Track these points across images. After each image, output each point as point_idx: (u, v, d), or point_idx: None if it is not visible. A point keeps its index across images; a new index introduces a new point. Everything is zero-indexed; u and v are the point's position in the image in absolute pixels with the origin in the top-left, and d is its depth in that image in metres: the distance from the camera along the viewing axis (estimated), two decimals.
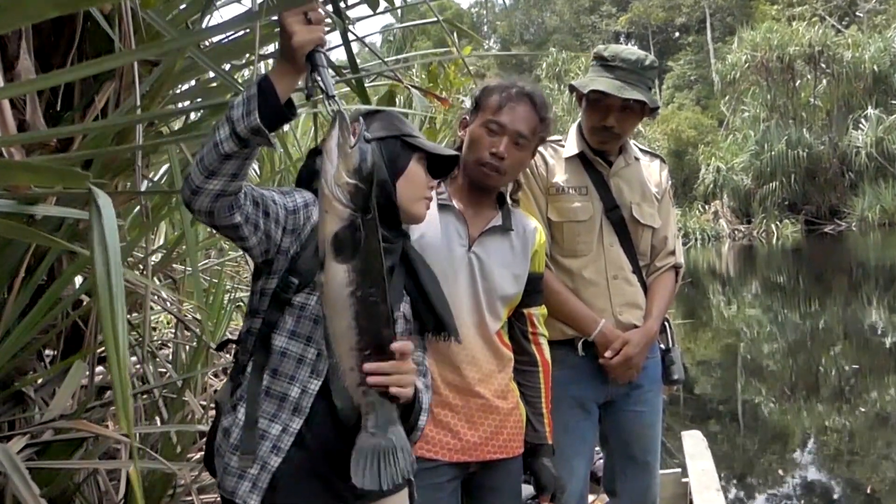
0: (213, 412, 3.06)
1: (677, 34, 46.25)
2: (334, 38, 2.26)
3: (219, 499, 2.59)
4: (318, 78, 1.34)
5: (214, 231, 1.52)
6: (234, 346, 1.65)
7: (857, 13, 34.96)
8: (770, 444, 5.61)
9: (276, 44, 2.62)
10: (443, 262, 1.88)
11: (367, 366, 1.34)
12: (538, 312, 2.09)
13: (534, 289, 2.05)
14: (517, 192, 2.17)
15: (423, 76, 5.06)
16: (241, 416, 1.50)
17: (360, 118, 1.34)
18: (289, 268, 1.52)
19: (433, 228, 1.91)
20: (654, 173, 2.45)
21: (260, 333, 1.53)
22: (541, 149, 2.18)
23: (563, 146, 2.36)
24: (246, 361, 1.54)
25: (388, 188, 1.56)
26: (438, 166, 1.69)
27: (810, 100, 30.20)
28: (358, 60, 2.42)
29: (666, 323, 2.45)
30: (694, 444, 3.91)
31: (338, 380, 1.36)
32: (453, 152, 1.70)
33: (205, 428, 2.45)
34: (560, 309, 2.24)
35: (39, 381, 2.27)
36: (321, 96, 1.36)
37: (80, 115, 2.05)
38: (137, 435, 2.28)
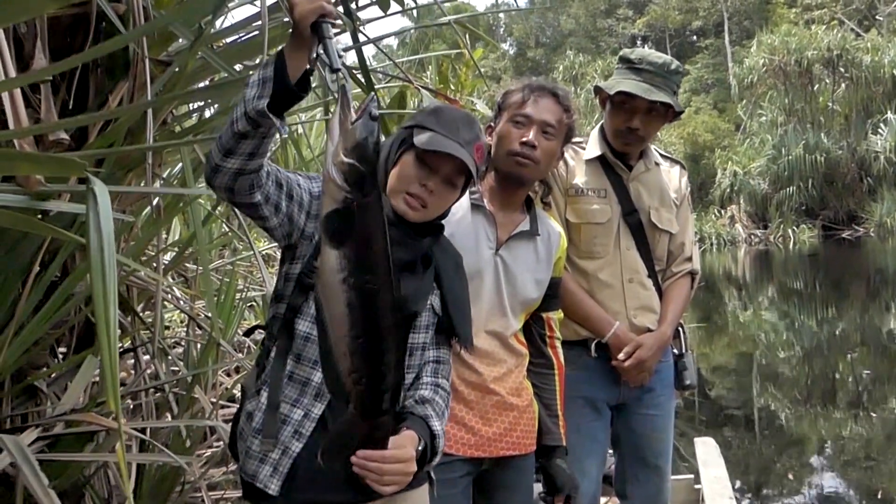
0: (223, 409, 3.10)
1: (694, 38, 46.03)
2: (345, 38, 2.29)
3: (226, 495, 2.63)
4: (321, 51, 1.29)
5: (236, 209, 1.51)
6: (261, 331, 1.66)
7: (877, 17, 34.63)
8: (784, 451, 5.56)
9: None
10: (470, 262, 1.89)
11: (355, 459, 1.35)
12: (556, 316, 2.11)
13: (553, 293, 2.07)
14: (548, 196, 2.19)
15: (436, 77, 5.08)
16: (264, 400, 1.51)
17: (373, 94, 1.29)
18: (313, 253, 1.52)
19: (463, 228, 1.93)
20: (674, 179, 2.45)
21: (284, 318, 1.53)
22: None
23: (583, 148, 2.37)
24: (270, 346, 1.55)
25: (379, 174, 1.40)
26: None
27: (828, 104, 29.95)
28: (373, 62, 2.44)
29: (680, 328, 2.45)
30: (707, 451, 3.88)
31: (330, 364, 1.32)
32: (450, 150, 1.56)
33: (214, 423, 2.47)
34: (575, 310, 2.25)
35: (52, 375, 2.30)
36: (329, 69, 1.29)
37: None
38: (148, 430, 2.30)
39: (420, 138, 1.58)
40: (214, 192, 1.45)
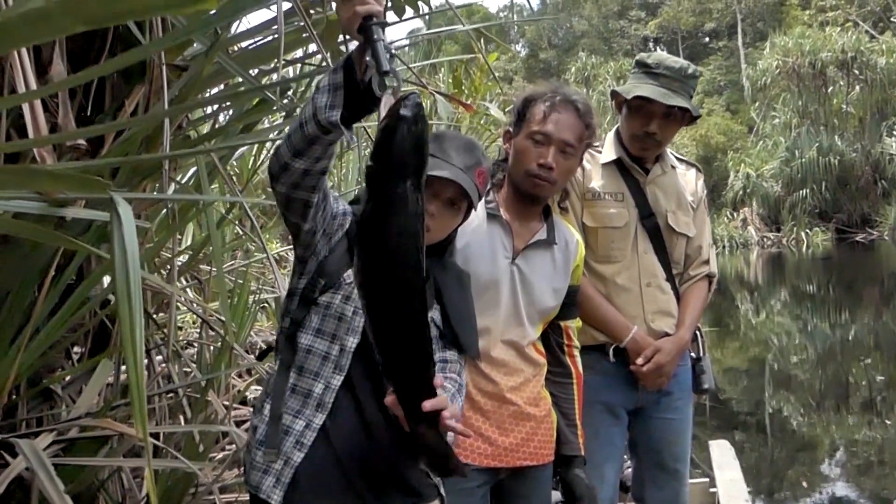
0: (235, 412, 3.10)
1: (707, 39, 45.87)
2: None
3: (239, 498, 2.63)
4: (368, 58, 1.24)
5: (284, 208, 1.48)
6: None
7: (892, 18, 34.34)
8: (799, 454, 5.53)
9: (304, 49, 2.66)
10: (486, 272, 1.89)
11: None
12: (574, 325, 2.10)
13: (571, 301, 2.06)
14: (565, 201, 2.19)
15: (450, 81, 5.07)
16: (267, 412, 1.53)
17: (413, 94, 1.22)
18: (317, 269, 1.54)
19: (479, 237, 1.92)
20: (691, 182, 2.45)
21: (287, 332, 1.55)
22: None
23: (600, 152, 2.36)
24: (276, 360, 1.57)
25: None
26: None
27: (842, 106, 29.77)
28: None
29: (697, 332, 2.44)
30: (721, 453, 3.86)
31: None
32: (451, 176, 1.58)
33: (227, 429, 2.48)
34: (593, 314, 2.24)
35: (67, 378, 2.31)
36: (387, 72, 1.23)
37: (111, 119, 2.09)
38: (161, 434, 2.31)
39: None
40: (274, 186, 1.44)
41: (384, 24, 1.25)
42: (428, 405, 1.33)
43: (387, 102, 1.21)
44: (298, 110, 2.66)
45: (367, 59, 1.25)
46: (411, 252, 1.25)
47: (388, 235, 1.23)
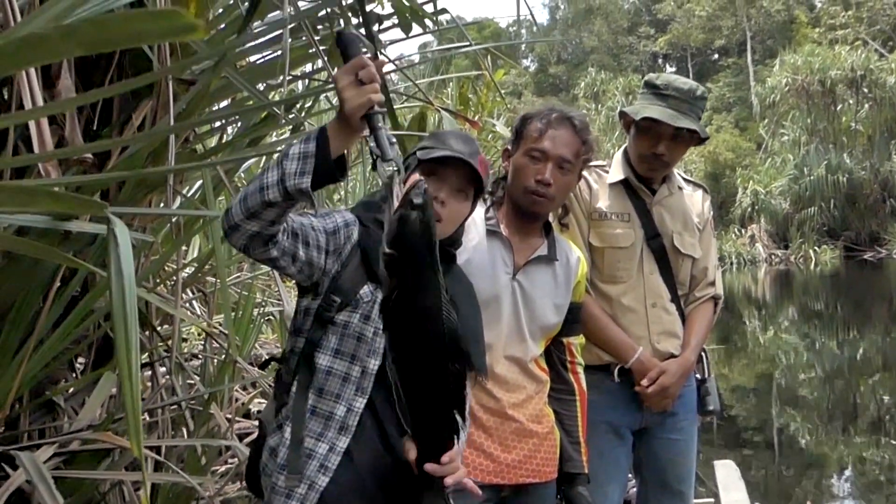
0: (238, 425, 3.10)
1: (716, 56, 45.94)
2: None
3: None
4: (371, 143, 1.31)
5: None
6: (277, 364, 1.66)
7: None
8: (805, 474, 5.49)
9: (311, 64, 2.68)
10: (487, 288, 1.89)
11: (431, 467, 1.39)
12: (577, 342, 2.10)
13: (574, 318, 2.06)
14: (566, 217, 2.19)
15: (456, 97, 5.09)
16: (288, 435, 1.50)
17: (421, 181, 1.26)
18: (330, 287, 1.52)
19: (480, 254, 1.93)
20: (697, 203, 2.44)
21: (303, 352, 1.53)
22: (585, 173, 2.19)
23: (607, 172, 2.36)
24: (290, 380, 1.54)
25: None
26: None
27: (851, 124, 29.75)
28: (394, 78, 2.44)
29: (703, 353, 2.43)
30: (727, 473, 3.84)
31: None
32: (454, 155, 1.59)
33: (230, 443, 2.47)
34: (598, 334, 2.24)
35: (70, 390, 2.31)
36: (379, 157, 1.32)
37: (118, 132, 2.10)
38: (163, 447, 2.31)
39: (424, 152, 1.60)
40: (230, 244, 1.46)
41: (385, 113, 1.33)
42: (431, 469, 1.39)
43: (396, 189, 1.26)
44: (306, 125, 2.69)
45: (371, 144, 1.31)
46: (437, 335, 1.30)
47: (415, 320, 1.29)
